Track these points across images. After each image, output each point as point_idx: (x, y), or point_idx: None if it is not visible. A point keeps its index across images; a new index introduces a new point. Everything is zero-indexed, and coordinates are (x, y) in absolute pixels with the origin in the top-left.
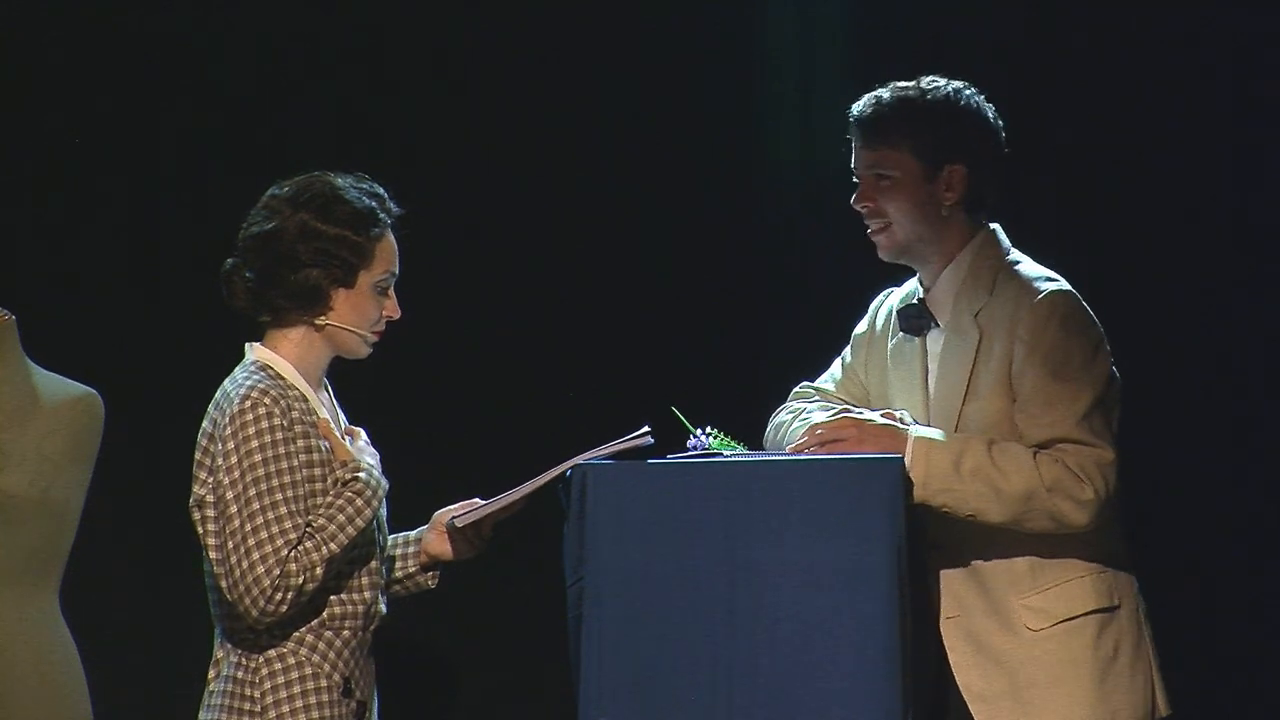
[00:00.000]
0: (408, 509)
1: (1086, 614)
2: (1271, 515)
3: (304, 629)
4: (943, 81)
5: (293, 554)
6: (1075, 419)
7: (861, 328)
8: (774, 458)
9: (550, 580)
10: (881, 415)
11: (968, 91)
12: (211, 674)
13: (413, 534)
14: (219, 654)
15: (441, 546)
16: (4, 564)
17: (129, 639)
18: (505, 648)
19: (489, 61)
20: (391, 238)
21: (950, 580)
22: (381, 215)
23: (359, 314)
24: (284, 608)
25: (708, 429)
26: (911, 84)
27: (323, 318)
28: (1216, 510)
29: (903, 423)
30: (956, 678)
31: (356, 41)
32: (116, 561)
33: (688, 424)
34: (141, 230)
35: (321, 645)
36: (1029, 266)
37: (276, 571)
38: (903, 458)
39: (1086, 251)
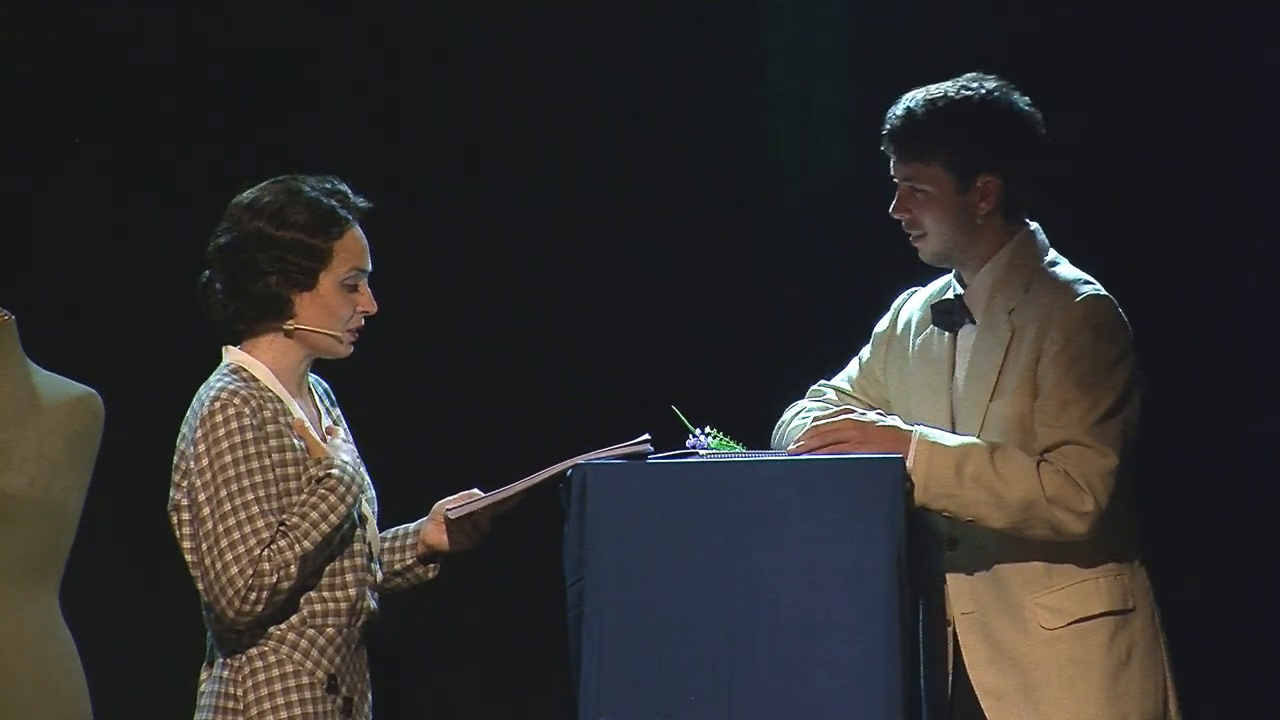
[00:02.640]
0: (410, 508)
1: (1100, 615)
2: (1272, 517)
3: (285, 627)
4: (975, 85)
5: (265, 553)
6: (1089, 423)
7: (882, 326)
8: (774, 458)
9: (550, 580)
10: (881, 415)
11: (999, 94)
12: (204, 674)
13: (412, 526)
14: (212, 654)
15: (439, 537)
16: (4, 564)
17: (129, 639)
18: (505, 648)
19: (489, 61)
20: (357, 233)
21: (967, 577)
22: (342, 214)
23: (327, 314)
24: (259, 608)
25: (707, 429)
26: (942, 92)
27: (290, 322)
28: (1216, 513)
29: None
30: (970, 674)
31: (359, 41)
32: (116, 561)
33: (687, 424)
34: (142, 230)
35: (304, 643)
36: (1066, 269)
37: (250, 572)
38: (903, 458)
39: (1087, 251)
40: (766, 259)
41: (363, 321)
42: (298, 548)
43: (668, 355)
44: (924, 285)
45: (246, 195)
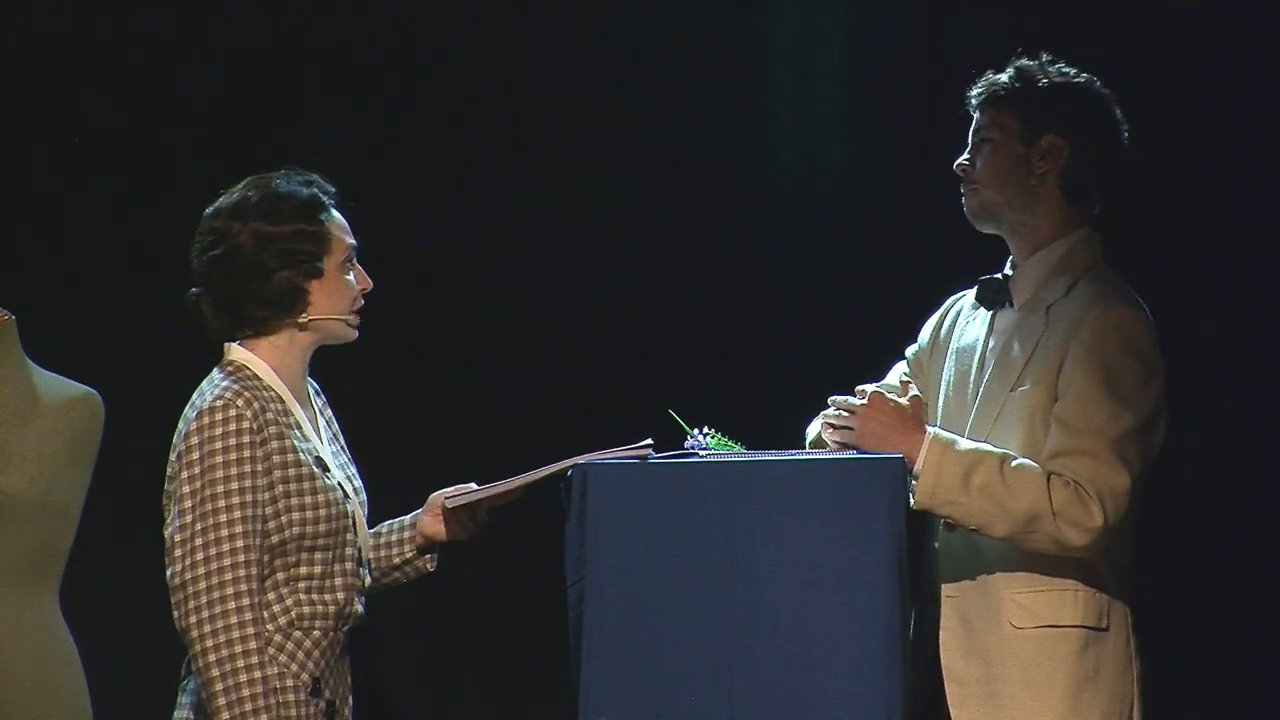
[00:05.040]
0: (409, 509)
1: (1072, 626)
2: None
3: (272, 629)
4: (1072, 69)
5: (236, 592)
6: (1109, 437)
7: (930, 323)
8: (774, 458)
9: (550, 580)
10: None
11: (1092, 81)
12: (186, 671)
13: (408, 519)
14: None
15: (436, 528)
16: (4, 564)
17: (129, 639)
18: (504, 648)
19: (491, 62)
20: (338, 215)
21: (956, 560)
22: (323, 198)
23: (337, 298)
24: (206, 628)
25: (705, 429)
26: (1038, 62)
27: (304, 315)
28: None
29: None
30: (941, 656)
31: (359, 41)
32: (116, 561)
33: (684, 425)
34: (142, 230)
35: (290, 645)
36: (1116, 282)
37: (215, 601)
38: (902, 457)
39: None
40: (766, 259)
41: (363, 301)
42: (228, 669)
43: (667, 355)
44: (970, 287)
45: (223, 202)
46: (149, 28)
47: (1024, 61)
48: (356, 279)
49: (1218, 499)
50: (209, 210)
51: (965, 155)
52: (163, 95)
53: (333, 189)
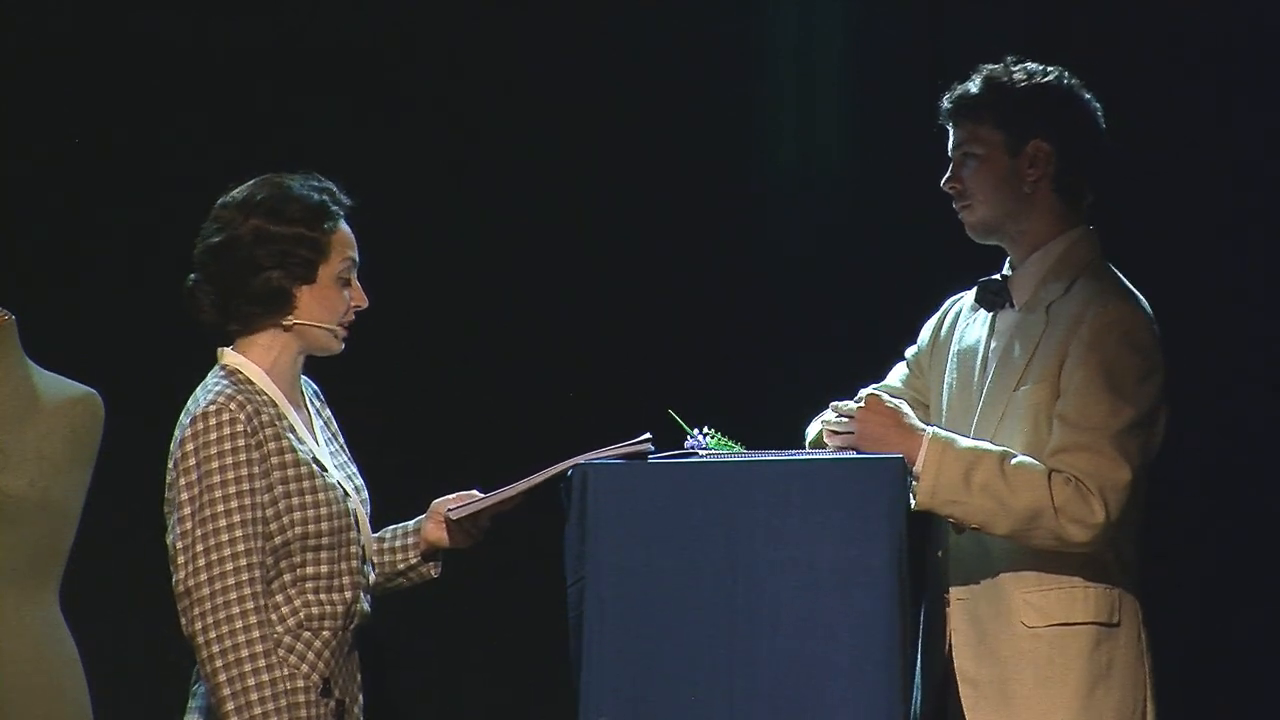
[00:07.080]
0: (409, 510)
1: (1083, 624)
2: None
3: (281, 630)
4: (1036, 64)
5: (239, 598)
6: (1110, 432)
7: (930, 324)
8: (774, 458)
9: (550, 580)
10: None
11: (1060, 74)
12: (196, 677)
13: (411, 524)
14: None
15: (439, 535)
16: (4, 564)
17: (129, 639)
18: (505, 648)
19: (491, 62)
20: (346, 228)
21: (964, 563)
22: (333, 207)
23: (325, 308)
24: (211, 633)
25: (705, 429)
26: (1002, 65)
27: (290, 317)
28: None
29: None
30: (954, 659)
31: (359, 41)
32: (116, 561)
33: (684, 425)
34: (142, 230)
35: (299, 646)
36: (1114, 278)
37: (220, 606)
38: (902, 457)
39: None
40: (766, 259)
41: (354, 317)
42: (235, 670)
43: (668, 355)
44: (969, 288)
45: (235, 194)
46: (149, 28)
47: (991, 67)
48: (352, 294)
49: (1218, 499)
50: (221, 199)
51: (950, 173)
52: (163, 95)
53: (348, 201)
